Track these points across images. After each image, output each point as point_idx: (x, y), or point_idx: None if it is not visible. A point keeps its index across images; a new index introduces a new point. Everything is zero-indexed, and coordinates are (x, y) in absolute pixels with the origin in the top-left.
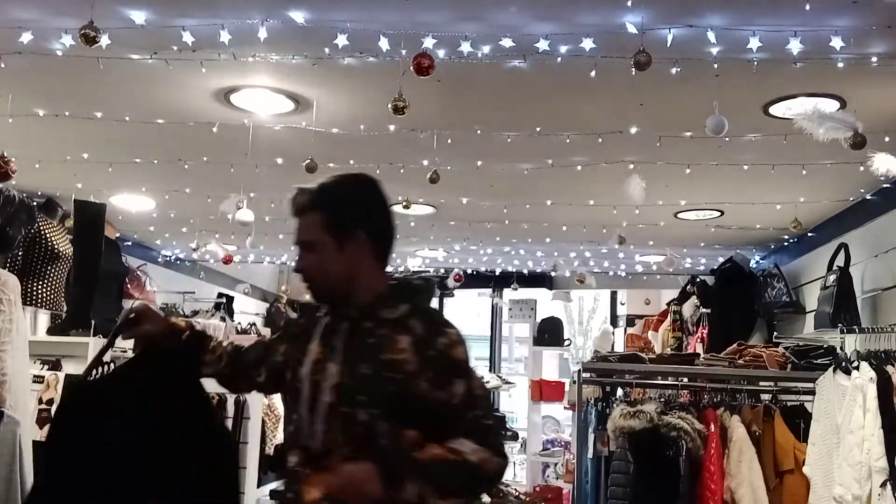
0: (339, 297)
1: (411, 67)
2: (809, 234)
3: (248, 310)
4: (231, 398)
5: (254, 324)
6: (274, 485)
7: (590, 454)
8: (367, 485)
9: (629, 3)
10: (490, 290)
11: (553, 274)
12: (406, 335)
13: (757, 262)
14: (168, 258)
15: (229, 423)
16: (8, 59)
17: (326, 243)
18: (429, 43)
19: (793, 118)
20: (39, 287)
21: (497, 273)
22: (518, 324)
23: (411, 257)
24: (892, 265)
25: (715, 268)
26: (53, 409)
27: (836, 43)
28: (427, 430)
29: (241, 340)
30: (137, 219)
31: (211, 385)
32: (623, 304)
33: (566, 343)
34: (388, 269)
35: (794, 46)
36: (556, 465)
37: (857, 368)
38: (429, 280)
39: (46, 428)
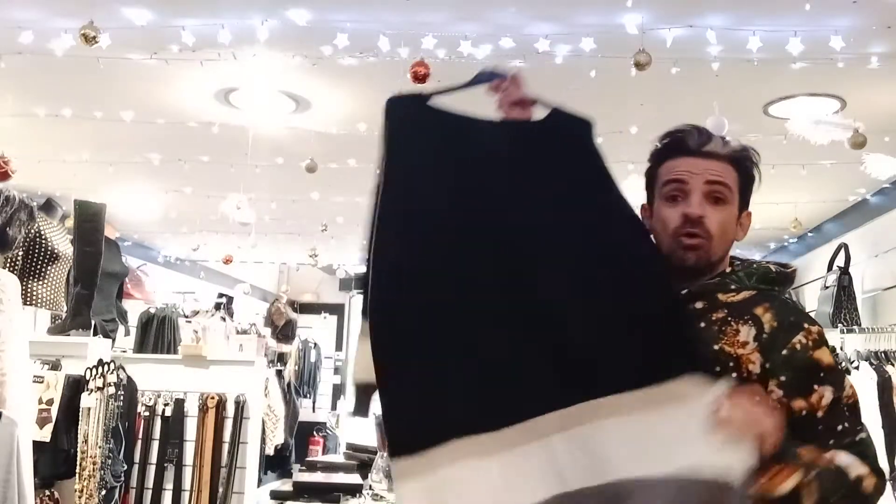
0: (704, 268)
1: (408, 76)
2: (809, 234)
3: (249, 310)
4: (231, 398)
5: (254, 324)
6: (274, 485)
7: None
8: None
9: (629, 3)
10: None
11: None
12: (750, 326)
13: None
14: (168, 258)
15: (229, 424)
16: (8, 59)
17: (732, 203)
18: (429, 43)
19: (788, 126)
20: (39, 287)
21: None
22: None
23: None
24: (892, 265)
25: None
26: (54, 409)
27: (836, 43)
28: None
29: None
30: (137, 219)
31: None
32: None
33: None
34: None
35: (794, 46)
36: None
37: (857, 368)
38: (786, 269)
39: (46, 428)
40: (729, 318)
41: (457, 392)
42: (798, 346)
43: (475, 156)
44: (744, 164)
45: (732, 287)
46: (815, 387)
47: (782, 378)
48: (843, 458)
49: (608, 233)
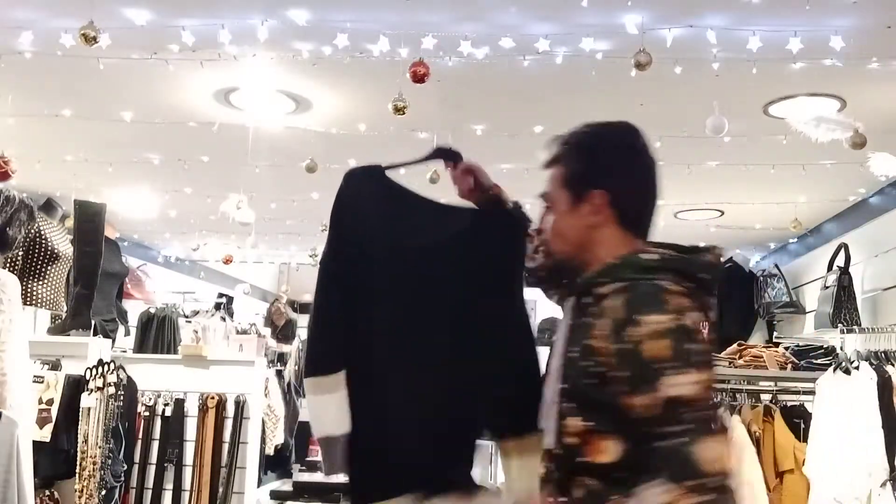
0: (570, 266)
1: (407, 75)
2: (809, 234)
3: (248, 310)
4: (231, 398)
5: (254, 324)
6: (274, 485)
7: None
8: None
9: (629, 3)
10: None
11: None
12: (609, 317)
13: (757, 262)
14: (168, 258)
15: (229, 424)
16: (8, 59)
17: (561, 200)
18: (429, 43)
19: (793, 123)
20: (39, 287)
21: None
22: None
23: None
24: (892, 265)
25: None
26: (54, 409)
27: (836, 43)
28: (634, 443)
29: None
30: (137, 219)
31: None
32: None
33: None
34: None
35: (794, 46)
36: None
37: (857, 368)
38: (673, 254)
39: (46, 428)
40: (596, 312)
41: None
42: (634, 340)
43: (416, 233)
44: (564, 157)
45: (603, 280)
46: (646, 384)
47: (624, 374)
48: (647, 498)
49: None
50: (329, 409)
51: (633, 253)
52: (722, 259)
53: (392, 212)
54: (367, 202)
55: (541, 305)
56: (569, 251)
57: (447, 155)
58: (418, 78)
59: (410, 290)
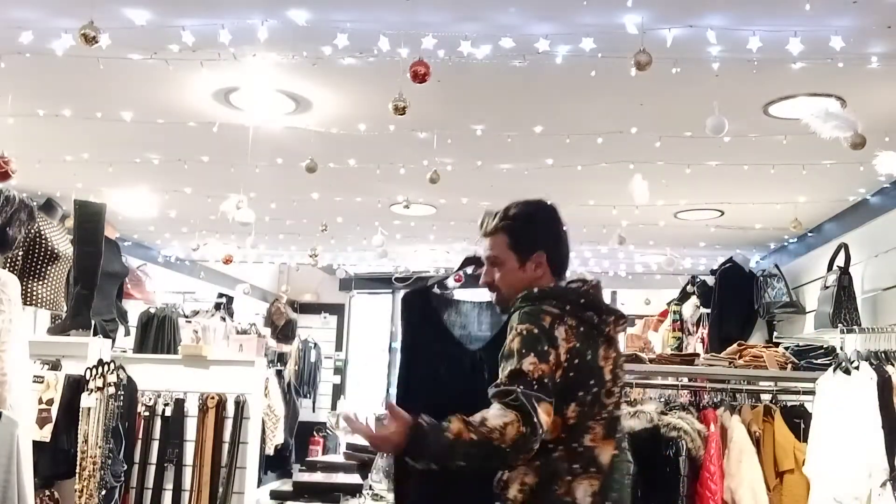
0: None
1: (408, 75)
2: (809, 234)
3: (248, 310)
4: (231, 398)
5: (254, 324)
6: (274, 485)
7: None
8: (390, 441)
9: (629, 3)
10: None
11: None
12: (508, 332)
13: (757, 262)
14: (168, 258)
15: (229, 424)
16: (8, 59)
17: (509, 260)
18: (429, 43)
19: (800, 117)
20: (39, 287)
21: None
22: None
23: (411, 257)
24: (892, 265)
25: (715, 268)
26: (54, 409)
27: (836, 43)
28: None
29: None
30: (137, 219)
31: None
32: (623, 304)
33: None
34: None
35: (794, 46)
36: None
37: (857, 368)
38: (532, 292)
39: (46, 428)
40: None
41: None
42: (510, 338)
43: (454, 322)
44: (510, 228)
45: (512, 308)
46: (503, 364)
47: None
48: (491, 410)
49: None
50: None
51: (532, 288)
52: (592, 286)
53: (439, 317)
54: (422, 316)
55: None
56: (515, 294)
57: (476, 262)
58: (419, 78)
59: (455, 377)
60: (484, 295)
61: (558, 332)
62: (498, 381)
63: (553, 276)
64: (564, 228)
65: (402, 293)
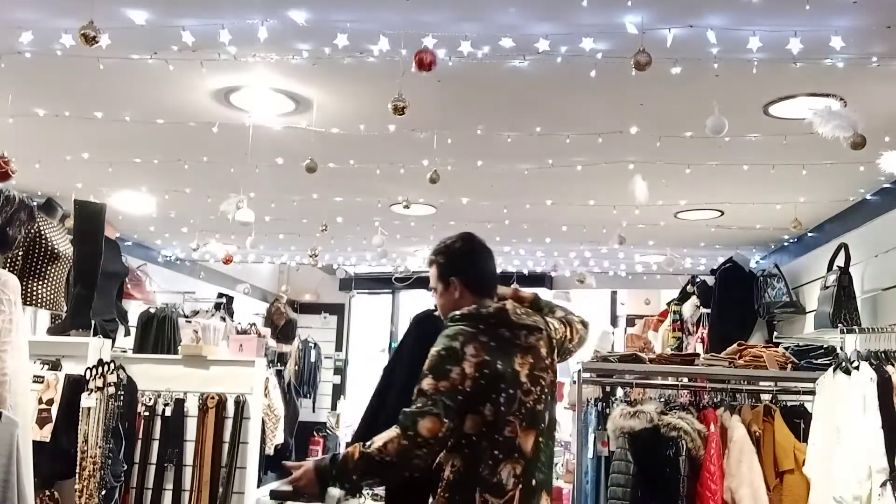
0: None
1: (413, 63)
2: (809, 234)
3: (248, 310)
4: (231, 398)
5: (254, 324)
6: (274, 485)
7: (590, 454)
8: (304, 479)
9: (629, 3)
10: None
11: (553, 274)
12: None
13: (757, 262)
14: (168, 258)
15: (229, 424)
16: (8, 59)
17: (439, 287)
18: (429, 43)
19: (801, 116)
20: (39, 287)
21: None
22: None
23: (411, 257)
24: (892, 265)
25: (715, 268)
26: (54, 409)
27: (836, 43)
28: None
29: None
30: (137, 219)
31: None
32: (623, 304)
33: None
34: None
35: (794, 46)
36: (556, 465)
37: (857, 368)
38: (462, 313)
39: (46, 428)
40: None
41: None
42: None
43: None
44: (435, 262)
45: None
46: (423, 377)
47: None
48: (385, 431)
49: None
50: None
51: (456, 310)
52: (503, 308)
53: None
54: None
55: None
56: (447, 314)
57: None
58: (424, 66)
59: None
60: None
61: (468, 349)
62: None
63: (473, 295)
64: (481, 255)
65: (415, 314)
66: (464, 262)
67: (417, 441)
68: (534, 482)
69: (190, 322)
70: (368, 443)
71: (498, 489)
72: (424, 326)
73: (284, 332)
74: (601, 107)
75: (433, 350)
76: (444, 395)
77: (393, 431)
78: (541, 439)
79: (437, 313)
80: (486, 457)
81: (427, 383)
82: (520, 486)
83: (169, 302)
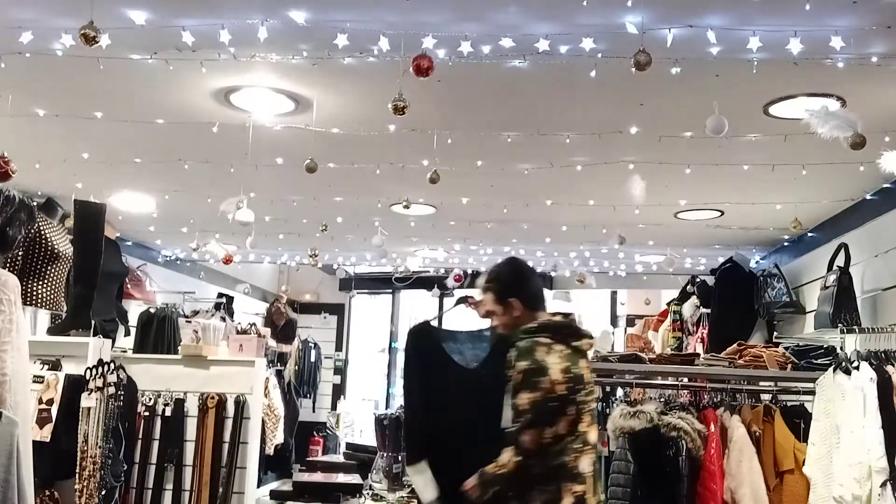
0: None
1: (411, 68)
2: (809, 234)
3: (248, 310)
4: (231, 398)
5: (254, 324)
6: (274, 485)
7: None
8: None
9: (629, 3)
10: (471, 329)
11: (553, 274)
12: (509, 359)
13: (757, 262)
14: (168, 258)
15: (229, 424)
16: (8, 59)
17: (497, 309)
18: (429, 43)
19: (800, 116)
20: (39, 287)
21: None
22: None
23: (411, 257)
24: (892, 265)
25: (715, 268)
26: (54, 409)
27: (836, 43)
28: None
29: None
30: (137, 219)
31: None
32: (623, 304)
33: None
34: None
35: (794, 46)
36: None
37: (857, 368)
38: (531, 327)
39: (46, 428)
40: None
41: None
42: (509, 376)
43: (453, 349)
44: (491, 288)
45: (513, 339)
46: (512, 400)
47: (512, 388)
48: (504, 453)
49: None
50: (426, 481)
51: (524, 323)
52: (570, 317)
53: (443, 347)
54: (428, 347)
55: None
56: (507, 330)
57: (466, 300)
58: (421, 71)
59: (455, 394)
60: (474, 324)
61: (550, 357)
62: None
63: (531, 311)
64: (531, 276)
65: (410, 326)
66: (518, 283)
67: (527, 452)
68: (595, 469)
69: (190, 322)
70: (493, 464)
71: (579, 478)
72: (418, 340)
73: (284, 332)
74: (601, 107)
75: (516, 365)
76: (539, 406)
77: (507, 451)
78: (598, 431)
79: (433, 323)
80: (570, 451)
81: (523, 399)
82: (591, 473)
83: (169, 302)
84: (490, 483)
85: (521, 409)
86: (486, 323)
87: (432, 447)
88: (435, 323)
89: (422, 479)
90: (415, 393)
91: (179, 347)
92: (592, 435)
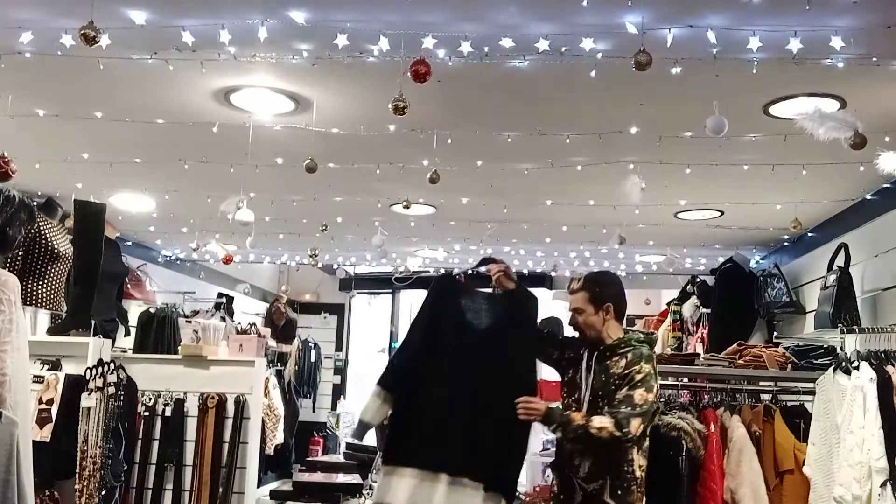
0: (593, 340)
1: (409, 74)
2: (809, 234)
3: (248, 310)
4: (231, 398)
5: (254, 324)
6: (274, 485)
7: None
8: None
9: (629, 3)
10: (490, 290)
11: (553, 274)
12: (623, 359)
13: (757, 262)
14: (168, 258)
15: (229, 424)
16: (8, 59)
17: (588, 309)
18: (429, 43)
19: (794, 118)
20: (39, 287)
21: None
22: None
23: (411, 257)
24: (892, 265)
25: (715, 268)
26: (54, 409)
27: (836, 43)
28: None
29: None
30: (137, 219)
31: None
32: None
33: None
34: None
35: (794, 46)
36: None
37: (857, 368)
38: (648, 334)
39: (46, 428)
40: (615, 360)
41: (412, 441)
42: (629, 371)
43: (468, 306)
44: (589, 288)
45: (621, 344)
46: (627, 386)
47: (623, 383)
48: (598, 418)
49: (512, 375)
50: (375, 408)
51: (626, 332)
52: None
53: (458, 301)
54: (445, 296)
55: (541, 305)
56: (595, 334)
57: (490, 260)
58: (419, 77)
59: (457, 348)
60: (489, 288)
61: (656, 367)
62: (615, 399)
63: (618, 321)
64: (623, 289)
65: (435, 277)
66: (617, 292)
67: (627, 435)
68: None
69: (190, 322)
70: (590, 418)
71: (643, 481)
72: (440, 289)
73: (284, 332)
74: (601, 107)
75: (642, 366)
76: (650, 405)
77: (609, 420)
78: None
79: (457, 275)
80: (643, 449)
81: (639, 394)
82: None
83: (169, 302)
84: (574, 431)
85: (637, 403)
86: (499, 288)
87: (409, 386)
88: (460, 277)
89: (375, 403)
90: (416, 336)
91: (179, 347)
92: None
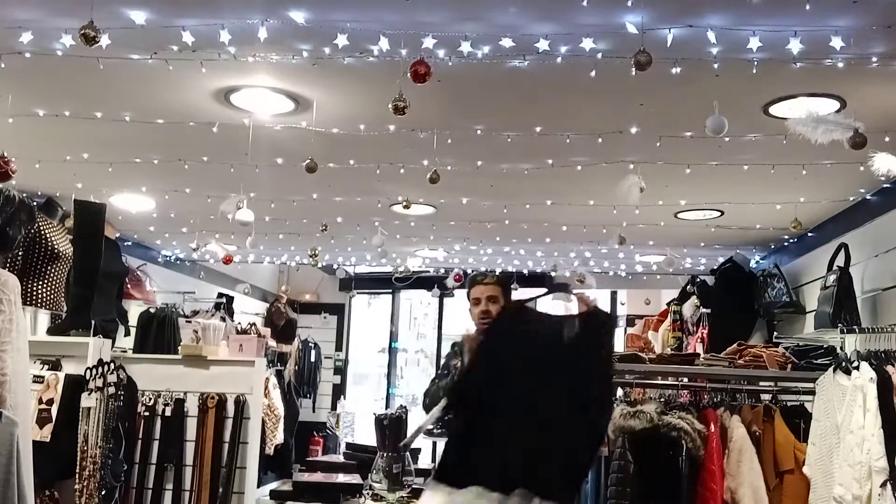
0: None
1: (409, 74)
2: (809, 234)
3: (248, 310)
4: (231, 398)
5: (254, 324)
6: (274, 485)
7: None
8: None
9: (629, 3)
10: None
11: (553, 274)
12: None
13: (757, 262)
14: (168, 258)
15: (229, 424)
16: (8, 59)
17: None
18: (429, 43)
19: (789, 124)
20: (39, 287)
21: (497, 273)
22: None
23: (411, 257)
24: (892, 265)
25: (715, 268)
26: (54, 409)
27: (836, 43)
28: None
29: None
30: (137, 219)
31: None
32: (623, 304)
33: None
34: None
35: (794, 46)
36: None
37: (857, 368)
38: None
39: (46, 428)
40: None
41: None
42: None
43: (537, 335)
44: (503, 284)
45: None
46: None
47: None
48: None
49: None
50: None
51: None
52: None
53: (525, 332)
54: (510, 333)
55: (541, 305)
56: None
57: (564, 288)
58: (419, 77)
59: (525, 379)
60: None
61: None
62: None
63: None
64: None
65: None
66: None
67: None
68: None
69: (190, 322)
70: None
71: None
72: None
73: (284, 332)
74: (601, 107)
75: None
76: None
77: None
78: None
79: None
80: None
81: None
82: None
83: (169, 302)
84: None
85: None
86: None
87: (472, 409)
88: (530, 304)
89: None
90: (480, 369)
91: (179, 347)
92: None
